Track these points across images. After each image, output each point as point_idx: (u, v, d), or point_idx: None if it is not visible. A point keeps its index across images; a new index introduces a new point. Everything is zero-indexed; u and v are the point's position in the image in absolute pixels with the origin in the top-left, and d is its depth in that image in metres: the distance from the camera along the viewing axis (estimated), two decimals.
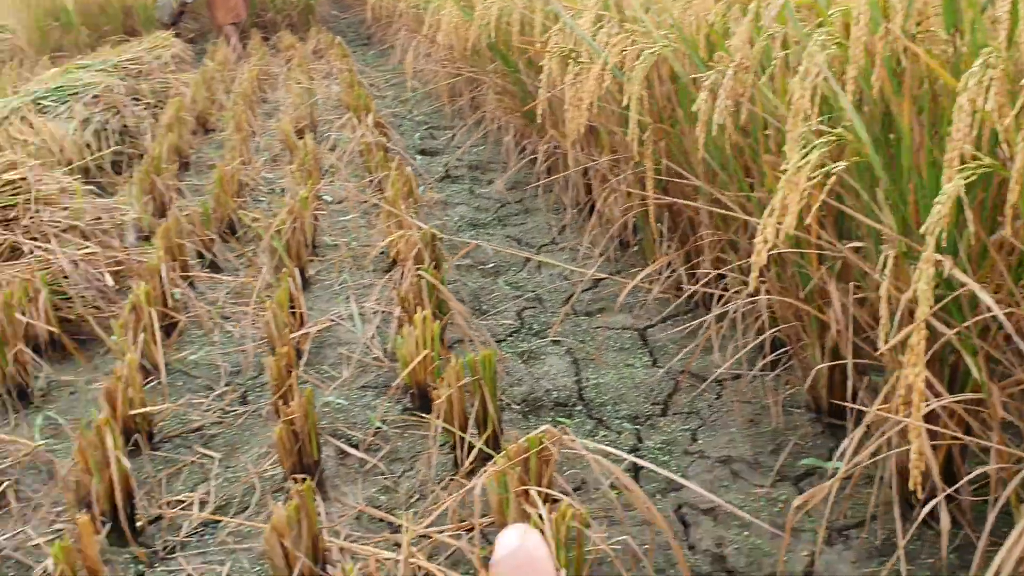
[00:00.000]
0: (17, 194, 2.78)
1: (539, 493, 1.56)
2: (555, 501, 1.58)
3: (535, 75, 3.35)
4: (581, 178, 3.31)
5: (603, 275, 2.81)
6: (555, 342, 2.57)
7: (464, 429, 1.91)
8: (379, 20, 7.09)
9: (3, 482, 2.01)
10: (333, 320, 2.72)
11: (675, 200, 2.35)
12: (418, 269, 2.42)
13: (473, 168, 4.30)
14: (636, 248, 3.03)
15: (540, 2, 2.74)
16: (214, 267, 3.20)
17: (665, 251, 2.50)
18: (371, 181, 3.84)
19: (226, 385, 2.43)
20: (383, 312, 2.70)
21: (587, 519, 1.48)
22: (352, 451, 2.09)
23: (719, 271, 2.26)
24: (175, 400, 2.32)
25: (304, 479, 1.69)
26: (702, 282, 2.27)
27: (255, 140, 4.80)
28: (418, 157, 4.49)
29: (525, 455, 1.55)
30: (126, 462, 1.78)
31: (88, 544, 1.50)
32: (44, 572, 1.65)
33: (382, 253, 3.11)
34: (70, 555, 1.47)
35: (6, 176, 2.78)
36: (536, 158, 3.75)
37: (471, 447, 1.89)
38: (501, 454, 1.62)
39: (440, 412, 1.88)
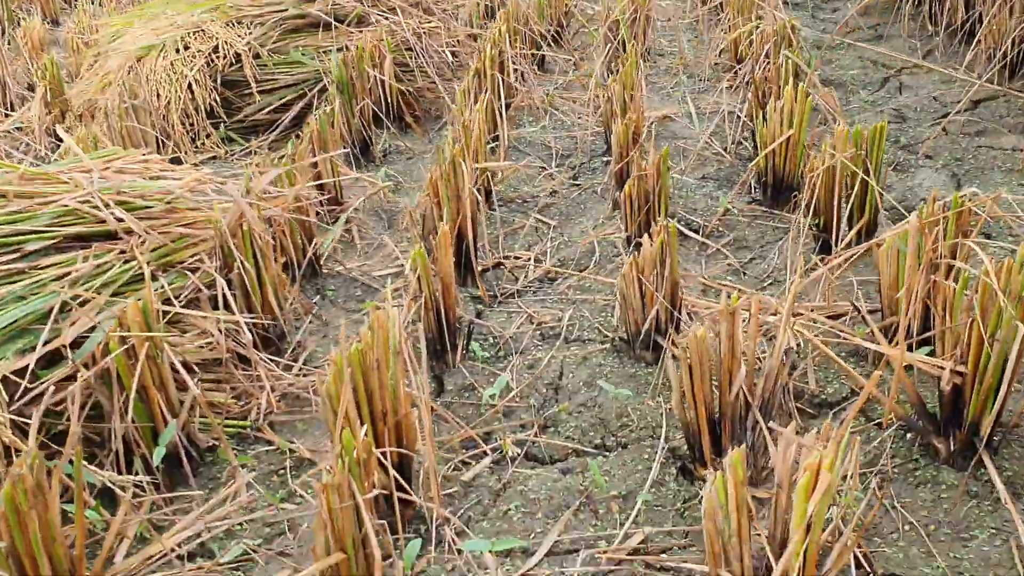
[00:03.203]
0: None
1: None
2: None
3: None
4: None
5: (996, 87, 2.38)
6: (928, 156, 2.22)
7: (836, 213, 1.67)
8: None
9: (350, 220, 2.05)
10: (669, 115, 2.53)
11: None
12: (783, 52, 2.15)
13: None
14: None
15: None
16: (541, 66, 3.10)
17: None
18: None
19: (557, 165, 2.33)
20: (724, 111, 2.47)
21: None
22: (692, 235, 1.92)
23: None
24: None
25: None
26: None
27: None
28: None
29: (944, 215, 1.30)
30: (478, 196, 1.72)
31: (445, 253, 1.45)
32: (403, 271, 1.64)
33: (721, 52, 2.86)
34: (425, 261, 1.42)
35: None
36: None
37: (845, 229, 1.65)
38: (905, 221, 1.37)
39: (813, 186, 1.65)
